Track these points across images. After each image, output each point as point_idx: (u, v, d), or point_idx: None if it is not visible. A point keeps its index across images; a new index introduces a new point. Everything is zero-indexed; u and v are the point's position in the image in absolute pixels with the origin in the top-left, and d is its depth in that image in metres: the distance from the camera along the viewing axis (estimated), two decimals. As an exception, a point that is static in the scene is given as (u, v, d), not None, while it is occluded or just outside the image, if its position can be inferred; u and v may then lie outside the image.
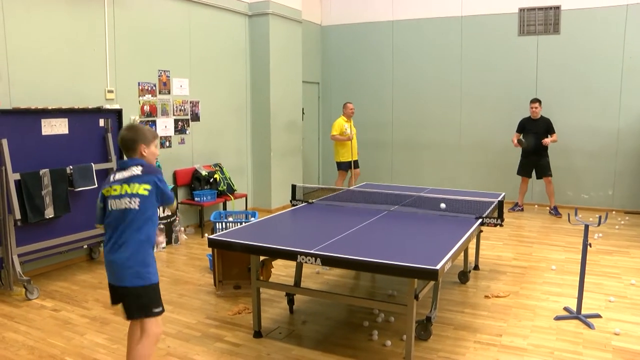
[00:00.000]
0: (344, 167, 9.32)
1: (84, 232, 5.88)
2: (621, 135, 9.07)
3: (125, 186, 3.12)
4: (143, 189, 3.13)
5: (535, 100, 8.83)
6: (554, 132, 8.78)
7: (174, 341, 4.17)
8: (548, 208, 9.07)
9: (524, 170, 9.06)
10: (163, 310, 3.24)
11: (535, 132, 8.79)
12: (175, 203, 3.41)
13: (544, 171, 8.84)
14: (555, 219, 8.56)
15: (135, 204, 3.10)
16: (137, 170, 3.17)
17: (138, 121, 6.93)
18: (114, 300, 3.27)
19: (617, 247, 6.90)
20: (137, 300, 3.15)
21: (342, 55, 11.24)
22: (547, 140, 8.65)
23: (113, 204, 3.13)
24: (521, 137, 8.89)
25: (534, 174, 9.01)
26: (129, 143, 3.25)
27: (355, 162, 9.46)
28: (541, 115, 8.85)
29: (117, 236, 3.12)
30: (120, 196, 3.12)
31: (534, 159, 8.86)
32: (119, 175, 3.19)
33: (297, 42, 9.78)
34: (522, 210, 9.20)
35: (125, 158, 3.34)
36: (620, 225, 8.11)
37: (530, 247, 6.88)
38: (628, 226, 8.09)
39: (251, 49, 9.11)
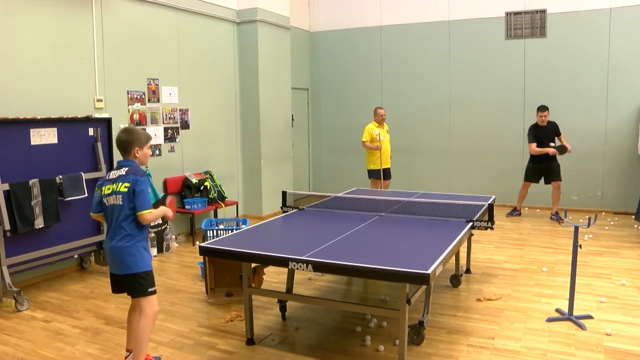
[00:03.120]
0: (375, 175, 8.86)
1: (74, 242, 5.85)
2: (609, 137, 9.15)
3: (113, 185, 3.55)
4: (124, 186, 3.51)
5: (544, 109, 8.53)
6: (560, 133, 8.62)
7: (167, 350, 4.15)
8: (550, 213, 8.90)
9: (532, 176, 8.77)
10: (155, 291, 3.64)
11: (547, 138, 8.55)
12: (148, 214, 3.54)
13: (554, 176, 8.62)
14: (544, 221, 8.58)
15: (119, 200, 3.52)
16: (123, 170, 3.58)
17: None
18: (114, 288, 3.70)
19: (607, 247, 6.94)
20: (132, 284, 3.59)
21: (331, 61, 11.27)
22: (569, 146, 8.43)
23: (107, 200, 3.58)
24: (549, 144, 8.58)
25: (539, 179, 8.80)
26: (124, 145, 3.64)
27: (387, 170, 8.94)
28: (548, 120, 8.60)
29: (110, 228, 3.58)
30: (110, 194, 3.56)
31: (546, 164, 8.60)
32: (112, 174, 3.62)
33: (285, 49, 9.79)
34: (519, 214, 9.13)
35: (121, 157, 3.71)
36: (610, 226, 8.15)
37: (521, 250, 6.91)
38: (617, 227, 8.14)
39: (240, 56, 9.12)
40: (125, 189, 3.51)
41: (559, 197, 8.78)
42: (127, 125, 3.62)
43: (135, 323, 3.68)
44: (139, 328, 3.57)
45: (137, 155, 3.66)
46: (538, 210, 9.39)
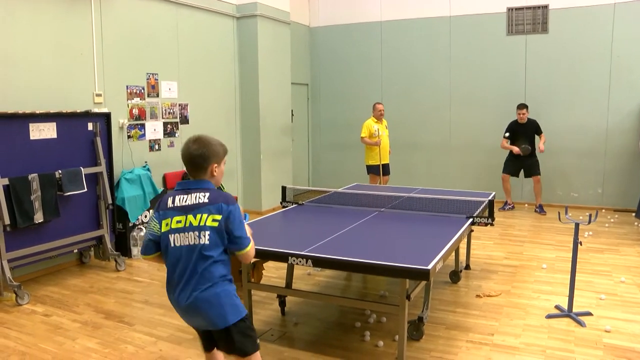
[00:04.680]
0: (373, 170, 8.92)
1: (74, 237, 5.85)
2: (610, 134, 9.13)
3: (190, 217, 2.62)
4: (212, 219, 2.60)
5: (523, 107, 8.89)
6: (541, 132, 8.92)
7: (166, 344, 4.15)
8: (534, 207, 9.18)
9: (510, 169, 9.12)
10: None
11: (524, 134, 8.93)
12: (252, 250, 2.74)
13: (533, 170, 8.95)
14: (545, 218, 8.60)
15: (205, 238, 2.60)
16: (203, 195, 2.65)
17: (127, 124, 6.90)
18: (210, 346, 2.93)
19: (607, 245, 6.94)
20: (238, 336, 2.68)
21: (331, 57, 11.25)
22: (542, 147, 8.77)
23: (175, 239, 2.64)
24: (510, 141, 9.04)
25: (520, 173, 9.11)
26: (199, 161, 2.69)
27: (386, 166, 8.99)
28: (528, 118, 8.95)
29: (183, 278, 2.63)
30: (182, 229, 2.63)
31: (523, 158, 8.94)
32: (180, 201, 2.67)
33: (285, 44, 9.77)
34: (512, 208, 9.26)
35: (189, 177, 2.80)
36: (610, 223, 8.16)
37: (520, 246, 6.91)
38: (618, 224, 8.14)
39: (239, 51, 9.10)
40: (216, 223, 2.59)
41: (540, 191, 9.04)
42: (198, 135, 2.70)
43: None
44: None
45: (215, 174, 2.74)
46: (526, 205, 9.37)
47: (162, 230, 2.68)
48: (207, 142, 2.73)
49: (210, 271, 2.61)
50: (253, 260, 4.19)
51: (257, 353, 2.75)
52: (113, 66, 6.74)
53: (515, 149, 8.89)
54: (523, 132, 8.95)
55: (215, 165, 2.73)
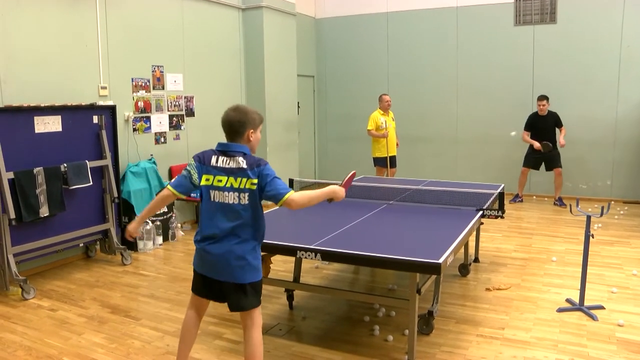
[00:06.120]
0: (380, 163, 8.88)
1: (79, 231, 5.82)
2: (619, 125, 9.04)
3: (232, 179, 2.96)
4: (250, 183, 2.94)
5: (543, 98, 8.72)
6: (562, 125, 8.76)
7: (173, 339, 4.12)
8: (553, 199, 9.03)
9: (531, 163, 8.96)
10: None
11: (544, 127, 8.76)
12: (298, 197, 2.97)
13: (554, 163, 8.79)
14: (554, 210, 8.53)
15: (244, 199, 2.95)
16: (242, 161, 2.96)
17: (132, 117, 6.86)
18: (212, 295, 3.13)
19: (617, 237, 6.87)
20: (246, 293, 3.02)
21: (337, 48, 11.17)
22: (563, 142, 8.64)
23: (217, 196, 2.99)
24: (530, 134, 8.89)
25: (541, 167, 8.97)
26: (236, 126, 3.01)
27: (392, 158, 8.93)
28: (548, 110, 8.78)
29: (224, 230, 2.96)
30: (224, 188, 2.97)
31: (545, 152, 8.77)
32: (222, 162, 3.00)
33: (291, 36, 9.70)
34: (522, 201, 9.18)
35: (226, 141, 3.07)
36: (620, 216, 8.08)
37: (530, 239, 6.85)
38: (627, 216, 8.06)
39: (245, 43, 9.03)
40: (254, 187, 2.94)
41: (561, 184, 8.90)
42: (237, 104, 3.09)
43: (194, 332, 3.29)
44: (257, 343, 3.07)
45: (251, 139, 3.05)
46: (546, 199, 9.32)
47: (202, 184, 3.02)
48: (245, 110, 3.05)
49: (243, 230, 2.97)
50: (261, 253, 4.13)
51: (259, 308, 3.09)
52: (118, 58, 6.69)
53: (537, 145, 8.72)
54: (543, 124, 8.77)
55: (252, 131, 3.04)
